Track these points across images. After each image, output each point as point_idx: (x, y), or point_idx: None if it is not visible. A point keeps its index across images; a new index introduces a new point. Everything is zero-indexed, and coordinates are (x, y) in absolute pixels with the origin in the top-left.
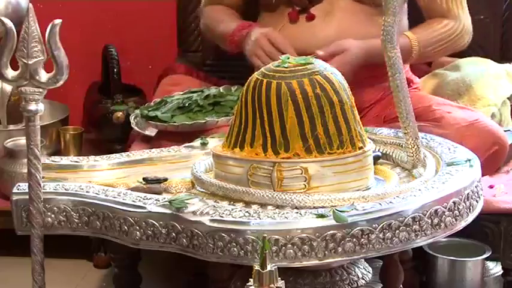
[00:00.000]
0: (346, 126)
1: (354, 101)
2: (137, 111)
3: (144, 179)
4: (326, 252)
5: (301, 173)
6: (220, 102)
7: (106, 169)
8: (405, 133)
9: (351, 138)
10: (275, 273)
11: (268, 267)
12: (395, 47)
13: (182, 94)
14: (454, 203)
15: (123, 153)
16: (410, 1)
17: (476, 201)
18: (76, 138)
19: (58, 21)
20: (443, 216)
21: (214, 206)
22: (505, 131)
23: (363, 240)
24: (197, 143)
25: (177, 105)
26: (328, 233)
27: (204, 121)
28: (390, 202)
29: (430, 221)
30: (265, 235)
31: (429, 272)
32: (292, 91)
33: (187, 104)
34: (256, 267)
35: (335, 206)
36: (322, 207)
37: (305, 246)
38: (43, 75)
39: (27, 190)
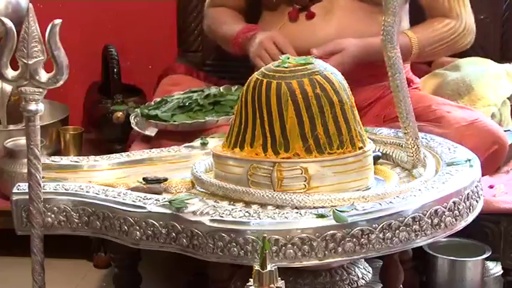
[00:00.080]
0: (346, 126)
1: (354, 100)
2: (137, 111)
3: (144, 179)
4: (326, 252)
5: (301, 173)
6: (220, 101)
7: (106, 169)
8: (405, 133)
9: (351, 138)
10: (275, 273)
11: (268, 267)
12: (396, 47)
13: (182, 94)
14: (454, 203)
15: (123, 153)
16: (412, 0)
17: (476, 201)
18: (76, 138)
19: (58, 21)
20: (443, 216)
21: (214, 206)
22: (505, 131)
23: (363, 240)
24: (197, 143)
25: (177, 105)
26: (328, 233)
27: (204, 120)
28: (390, 202)
29: (430, 221)
30: (265, 235)
31: (429, 272)
32: (292, 91)
33: (187, 103)
34: (256, 267)
35: (335, 206)
36: (322, 207)
37: (305, 246)
38: (43, 75)
39: (27, 190)
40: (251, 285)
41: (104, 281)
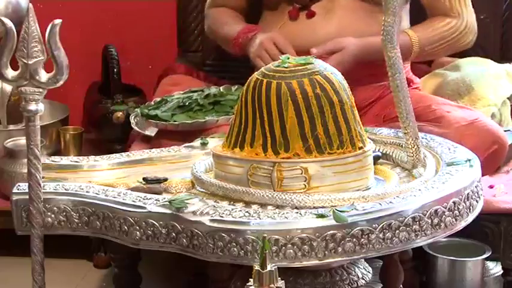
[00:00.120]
0: (346, 126)
1: (354, 100)
2: (137, 111)
3: (144, 179)
4: (326, 252)
5: (301, 173)
6: (220, 101)
7: (106, 169)
8: (405, 133)
9: (351, 138)
10: (275, 273)
11: (268, 267)
12: (396, 47)
13: (182, 93)
14: (454, 203)
15: (123, 153)
16: (412, 0)
17: (476, 201)
18: (76, 138)
19: (58, 21)
20: (443, 216)
21: (214, 206)
22: (505, 131)
23: (363, 240)
24: (197, 143)
25: (177, 104)
26: (328, 233)
27: (204, 120)
28: (390, 202)
29: (430, 221)
30: (265, 235)
31: (429, 272)
32: (292, 91)
33: (187, 103)
34: (256, 267)
35: (335, 206)
36: (322, 207)
37: (305, 246)
38: (43, 75)
39: (27, 190)
40: (251, 285)
41: (104, 281)
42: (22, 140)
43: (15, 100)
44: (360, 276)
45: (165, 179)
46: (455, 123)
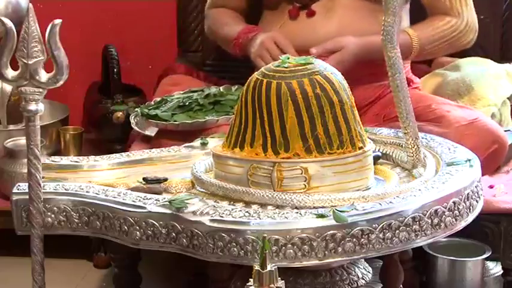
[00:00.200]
0: (346, 126)
1: (354, 100)
2: (137, 111)
3: (144, 179)
4: (326, 252)
5: (301, 173)
6: (220, 101)
7: (106, 169)
8: (405, 133)
9: (351, 138)
10: (275, 273)
11: (268, 267)
12: (396, 47)
13: (182, 93)
14: (454, 203)
15: (123, 153)
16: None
17: (476, 201)
18: (76, 138)
19: (58, 21)
20: (443, 216)
21: (214, 206)
22: (505, 131)
23: (363, 240)
24: (197, 143)
25: (178, 104)
26: (328, 233)
27: (204, 120)
28: (390, 202)
29: (430, 221)
30: (265, 235)
31: (429, 272)
32: (292, 91)
33: (187, 103)
34: (256, 267)
35: (335, 206)
36: (322, 207)
37: (305, 246)
38: (43, 75)
39: (27, 190)
40: (251, 285)
41: (104, 281)
42: (22, 140)
43: (15, 100)
44: (360, 276)
45: (165, 179)
46: (455, 122)
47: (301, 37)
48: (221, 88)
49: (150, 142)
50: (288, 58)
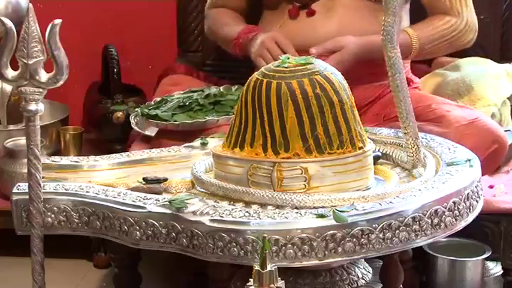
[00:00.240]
0: (346, 126)
1: (354, 100)
2: (137, 111)
3: (144, 179)
4: (326, 252)
5: (301, 173)
6: (220, 101)
7: (106, 169)
8: (405, 133)
9: (351, 138)
10: (275, 273)
11: (268, 267)
12: (396, 47)
13: (182, 93)
14: (454, 203)
15: (123, 153)
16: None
17: (476, 201)
18: (76, 138)
19: (58, 21)
20: (443, 216)
21: (214, 206)
22: (505, 131)
23: (363, 240)
24: (197, 143)
25: (178, 104)
26: (328, 233)
27: (204, 120)
28: (390, 202)
29: (430, 221)
30: (265, 235)
31: (429, 272)
32: (292, 91)
33: (187, 103)
34: (256, 267)
35: (335, 206)
36: (322, 207)
37: (305, 246)
38: (43, 75)
39: (27, 190)
40: (251, 285)
41: (104, 281)
42: (22, 140)
43: (15, 100)
44: (360, 276)
45: (165, 179)
46: (456, 122)
47: (301, 37)
48: (221, 88)
49: (150, 142)
50: (288, 58)
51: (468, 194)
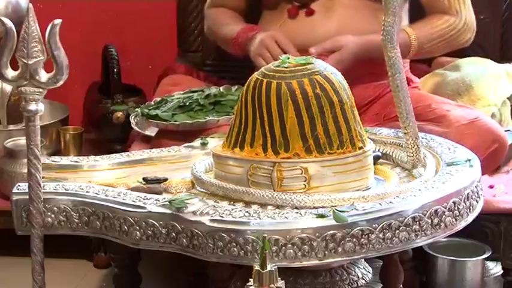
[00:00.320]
0: (346, 126)
1: (354, 100)
2: (137, 111)
3: (144, 179)
4: (326, 252)
5: (301, 173)
6: (220, 101)
7: (106, 169)
8: (405, 133)
9: (351, 138)
10: (275, 273)
11: (268, 267)
12: (396, 47)
13: (182, 93)
14: (454, 203)
15: (123, 153)
16: None
17: (476, 201)
18: (76, 138)
19: (58, 21)
20: (443, 216)
21: (214, 206)
22: (505, 131)
23: (363, 240)
24: (197, 143)
25: (178, 104)
26: (328, 233)
27: (204, 120)
28: (390, 202)
29: (430, 221)
30: (265, 235)
31: (429, 272)
32: (292, 91)
33: (188, 103)
34: (256, 267)
35: (335, 206)
36: (322, 207)
37: (305, 246)
38: (43, 75)
39: (27, 190)
40: (251, 285)
41: (104, 281)
42: (22, 140)
43: (15, 100)
44: (360, 276)
45: (165, 179)
46: (456, 122)
47: (300, 36)
48: (221, 88)
49: (150, 142)
50: (288, 58)
51: (468, 194)
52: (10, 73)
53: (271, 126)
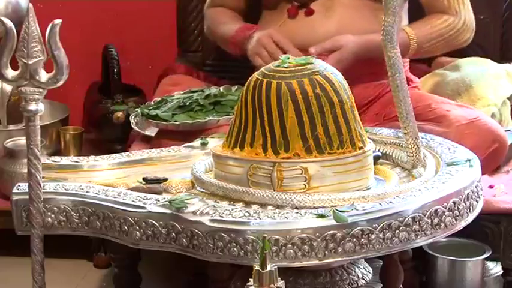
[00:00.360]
0: (346, 126)
1: (354, 100)
2: (137, 111)
3: (144, 179)
4: (326, 252)
5: (301, 173)
6: (220, 101)
7: (106, 169)
8: (405, 133)
9: (351, 138)
10: (275, 273)
11: (268, 267)
12: (396, 47)
13: (182, 93)
14: (454, 203)
15: (123, 153)
16: None
17: (476, 201)
18: (76, 138)
19: (58, 21)
20: (443, 216)
21: (214, 206)
22: (505, 131)
23: (363, 240)
24: (197, 143)
25: (178, 104)
26: (328, 233)
27: (204, 120)
28: (390, 202)
29: (430, 221)
30: (265, 235)
31: (429, 272)
32: (292, 91)
33: (188, 103)
34: (256, 267)
35: (335, 206)
36: (322, 207)
37: (305, 246)
38: (43, 75)
39: (27, 190)
40: (251, 285)
41: (104, 281)
42: (22, 140)
43: (15, 100)
44: (360, 276)
45: (165, 179)
46: (456, 122)
47: (300, 36)
48: (221, 88)
49: (150, 142)
50: (288, 58)
51: (468, 194)
52: (10, 73)
53: (271, 126)
